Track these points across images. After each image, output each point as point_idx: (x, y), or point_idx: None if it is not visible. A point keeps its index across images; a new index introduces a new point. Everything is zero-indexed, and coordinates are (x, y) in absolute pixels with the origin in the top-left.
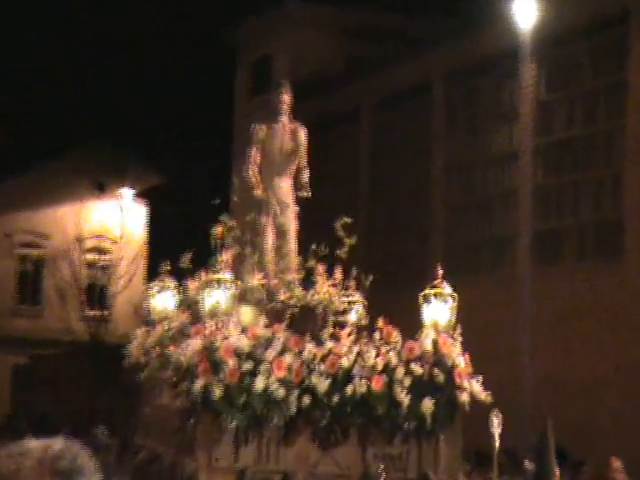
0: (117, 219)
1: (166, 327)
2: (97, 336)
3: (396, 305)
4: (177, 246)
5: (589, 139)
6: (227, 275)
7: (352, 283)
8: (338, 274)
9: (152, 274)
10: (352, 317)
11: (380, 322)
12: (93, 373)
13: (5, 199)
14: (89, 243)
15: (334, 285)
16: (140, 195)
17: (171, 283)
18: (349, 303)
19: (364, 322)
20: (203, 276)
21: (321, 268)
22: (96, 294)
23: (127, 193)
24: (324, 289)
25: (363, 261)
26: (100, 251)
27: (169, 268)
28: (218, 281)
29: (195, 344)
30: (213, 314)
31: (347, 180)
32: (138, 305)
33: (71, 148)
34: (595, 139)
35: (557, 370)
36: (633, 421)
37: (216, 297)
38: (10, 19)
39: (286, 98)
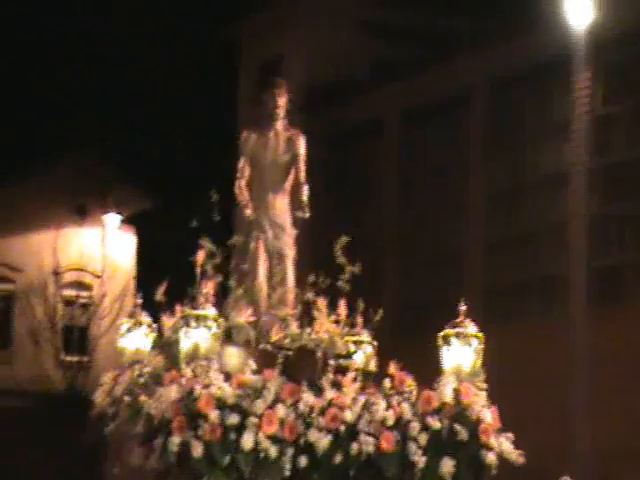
0: (100, 249)
1: (137, 372)
2: (75, 386)
3: (414, 349)
4: (172, 280)
5: None
6: (208, 311)
7: (359, 320)
8: (342, 310)
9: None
10: (358, 360)
11: (391, 368)
12: (72, 428)
13: None
14: (67, 277)
15: (337, 322)
16: (128, 221)
17: (145, 319)
18: (355, 343)
19: (372, 367)
20: (179, 311)
21: (321, 302)
22: (75, 336)
23: (112, 219)
24: (325, 327)
25: (389, 304)
26: (80, 286)
27: (141, 302)
28: (197, 318)
29: (169, 393)
30: (191, 358)
31: (367, 207)
32: None
33: (47, 166)
34: None
35: (617, 434)
36: None
37: (195, 337)
38: None
39: (282, 101)
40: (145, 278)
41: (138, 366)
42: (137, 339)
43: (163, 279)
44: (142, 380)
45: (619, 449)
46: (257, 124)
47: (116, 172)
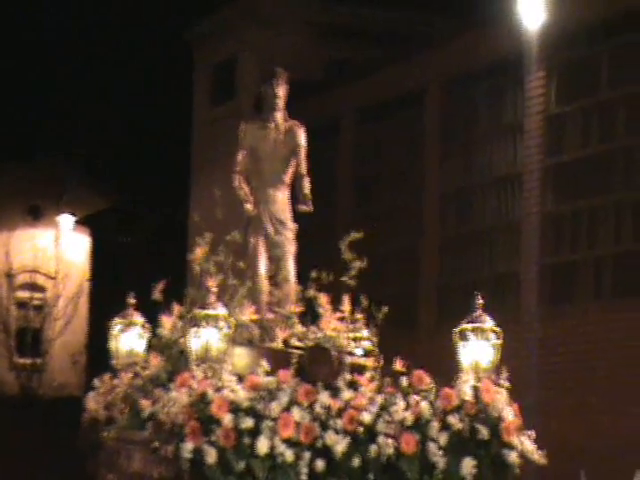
0: (54, 250)
1: (136, 374)
2: (29, 388)
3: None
4: (128, 281)
5: (606, 158)
6: (219, 310)
7: (361, 317)
8: (346, 306)
9: (96, 315)
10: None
11: (397, 364)
12: (24, 433)
13: None
14: (20, 279)
15: (341, 319)
16: (82, 222)
17: (138, 320)
18: (354, 340)
19: (374, 364)
20: (177, 311)
21: (324, 299)
22: (28, 339)
23: (66, 220)
24: (331, 325)
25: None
26: (33, 288)
27: (134, 301)
28: (207, 318)
29: (180, 397)
30: (201, 359)
31: (322, 206)
32: (78, 352)
33: (6, 163)
34: (613, 158)
35: (570, 433)
36: None
37: (205, 338)
38: None
39: (281, 91)
40: (99, 279)
41: (134, 368)
42: (131, 340)
43: (118, 280)
44: (140, 383)
45: (571, 446)
46: (256, 115)
47: (70, 173)
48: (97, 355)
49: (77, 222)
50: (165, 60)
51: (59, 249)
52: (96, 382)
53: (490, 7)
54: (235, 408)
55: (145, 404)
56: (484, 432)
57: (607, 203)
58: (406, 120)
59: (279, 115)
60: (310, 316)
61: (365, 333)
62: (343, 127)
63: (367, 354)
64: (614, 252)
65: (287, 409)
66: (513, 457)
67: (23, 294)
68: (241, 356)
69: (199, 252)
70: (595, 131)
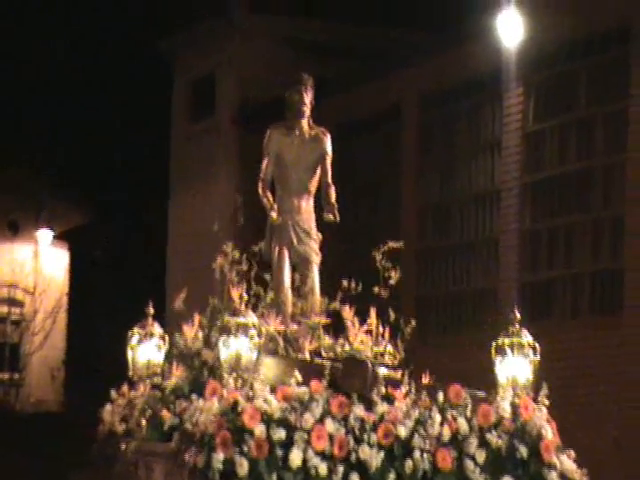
0: (32, 265)
1: (154, 385)
2: (6, 403)
3: None
4: (106, 296)
5: (584, 176)
6: (251, 318)
7: (386, 330)
8: (372, 319)
9: (75, 330)
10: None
11: (425, 378)
12: (5, 447)
13: None
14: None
15: (368, 332)
16: (60, 237)
17: (157, 331)
18: (377, 354)
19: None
20: (198, 321)
21: (349, 311)
22: (6, 354)
23: (44, 235)
24: (359, 337)
25: None
26: (11, 303)
27: (152, 311)
28: (238, 326)
29: (211, 407)
30: (232, 368)
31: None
32: (56, 367)
33: None
34: (591, 176)
35: None
36: None
37: (235, 347)
38: None
39: (308, 97)
40: (78, 294)
41: (156, 379)
42: (148, 351)
43: (96, 295)
44: (159, 394)
45: None
46: (282, 121)
47: (48, 188)
48: (75, 370)
49: (55, 237)
50: (144, 75)
51: (38, 264)
52: (113, 394)
53: (469, 24)
54: (267, 419)
55: (166, 415)
56: (523, 451)
57: (585, 220)
58: (384, 135)
59: (305, 122)
60: (333, 328)
61: (389, 347)
62: None
63: (394, 368)
64: (592, 270)
65: (320, 421)
66: (553, 477)
67: (1, 309)
68: (270, 366)
69: (221, 261)
70: (573, 148)
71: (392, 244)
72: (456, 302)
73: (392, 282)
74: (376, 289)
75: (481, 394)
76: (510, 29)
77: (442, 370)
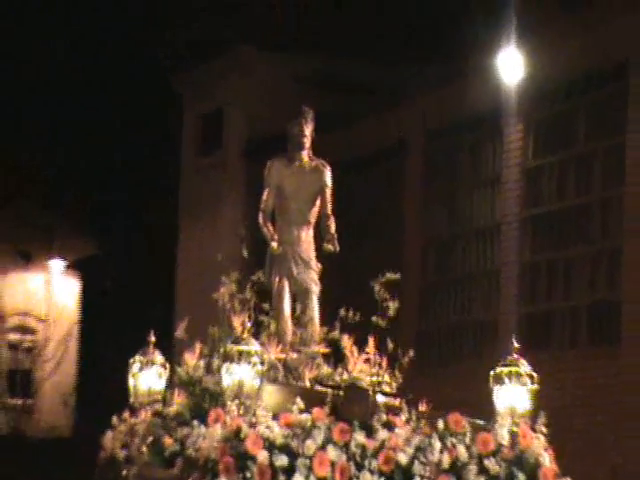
0: (45, 294)
1: (156, 412)
2: (19, 429)
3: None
4: (117, 325)
5: (583, 211)
6: (253, 346)
7: (384, 360)
8: (371, 348)
9: (86, 357)
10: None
11: (422, 406)
12: (15, 472)
13: None
14: (12, 321)
15: (367, 361)
16: (72, 266)
17: (158, 358)
18: (374, 384)
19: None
20: (199, 349)
21: (348, 340)
22: (19, 380)
23: (56, 264)
24: (359, 366)
25: None
26: (24, 330)
27: (154, 339)
28: (240, 354)
29: (214, 433)
30: (234, 396)
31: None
32: (68, 393)
33: None
34: (590, 211)
35: None
36: None
37: (238, 374)
38: None
39: (308, 129)
40: (89, 322)
41: (157, 406)
42: (150, 378)
43: (107, 323)
44: (160, 420)
45: None
46: (282, 153)
47: (60, 220)
48: (86, 397)
49: (67, 267)
50: (155, 108)
51: (50, 292)
52: (115, 420)
53: (471, 62)
54: (270, 445)
55: (168, 442)
56: (521, 478)
57: (583, 253)
58: (388, 170)
59: (305, 154)
60: (334, 357)
61: (386, 377)
62: None
63: (392, 396)
64: (590, 301)
65: (322, 447)
66: None
67: (14, 336)
68: (272, 394)
69: (224, 290)
70: (572, 183)
71: (390, 275)
72: (457, 333)
73: (390, 312)
74: (374, 318)
75: (480, 422)
76: (510, 67)
77: (443, 399)
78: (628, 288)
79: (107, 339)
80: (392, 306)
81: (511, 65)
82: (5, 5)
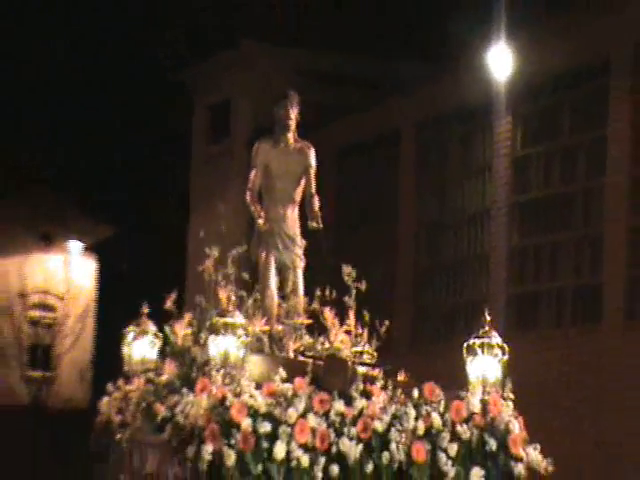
0: (63, 274)
1: (148, 380)
2: (39, 399)
3: None
4: (131, 302)
5: (567, 199)
6: (237, 319)
7: (364, 331)
8: (351, 321)
9: (102, 333)
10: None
11: (401, 376)
12: (36, 439)
13: None
14: (33, 299)
15: (347, 332)
16: (89, 248)
17: (151, 328)
18: (356, 354)
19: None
20: (189, 320)
21: (329, 313)
22: (39, 354)
23: (74, 246)
24: (340, 337)
25: None
26: (45, 308)
27: (147, 311)
28: (226, 326)
29: (201, 402)
30: (220, 366)
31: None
32: (85, 367)
33: (14, 195)
34: (573, 199)
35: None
36: None
37: (223, 345)
38: None
39: (293, 112)
40: (105, 300)
41: (147, 374)
42: (143, 348)
43: (121, 301)
44: (153, 388)
45: None
46: (268, 135)
47: (78, 204)
48: (103, 370)
49: (84, 248)
50: (167, 99)
51: (68, 272)
52: (110, 387)
53: (463, 58)
54: (253, 413)
55: (159, 408)
56: (492, 444)
57: (568, 239)
58: (383, 160)
59: (290, 135)
60: (317, 328)
61: (367, 347)
62: (325, 167)
63: (370, 366)
64: (574, 284)
65: (303, 416)
66: (520, 469)
67: (35, 313)
68: (256, 364)
69: (208, 264)
70: (557, 173)
71: (349, 269)
72: (449, 313)
73: (353, 294)
74: (346, 298)
75: (464, 394)
76: (500, 63)
77: (434, 373)
78: (609, 272)
79: (122, 317)
80: (361, 286)
81: (501, 61)
82: (5, 5)
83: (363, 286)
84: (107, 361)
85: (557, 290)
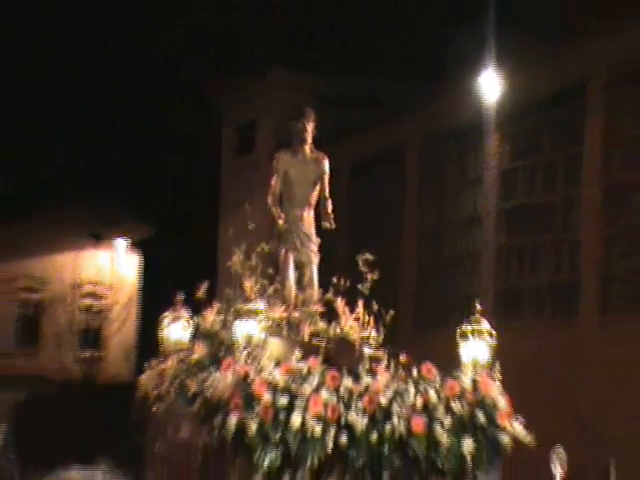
0: (111, 267)
1: (181, 359)
2: (90, 376)
3: None
4: (168, 292)
5: (548, 205)
6: (260, 306)
7: (371, 319)
8: (360, 309)
9: (144, 318)
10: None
11: (402, 358)
12: (87, 410)
13: (9, 245)
14: (84, 289)
15: (357, 319)
16: (133, 245)
17: (184, 314)
18: (363, 339)
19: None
20: (216, 307)
21: (341, 302)
22: (90, 337)
23: (121, 243)
24: (349, 323)
25: None
26: (95, 297)
27: (181, 299)
28: (249, 312)
29: (226, 377)
30: (244, 346)
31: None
32: (130, 348)
33: (70, 199)
34: (554, 206)
35: None
36: None
37: (247, 329)
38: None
39: (310, 127)
40: (147, 291)
41: (181, 354)
42: (177, 331)
43: (160, 291)
44: (185, 366)
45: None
46: (288, 147)
47: (125, 206)
48: (145, 351)
49: (129, 245)
50: (200, 117)
51: (115, 266)
52: (148, 365)
53: (459, 82)
54: (273, 388)
55: (191, 384)
56: (481, 417)
57: (548, 241)
58: (390, 173)
59: (307, 147)
60: (329, 316)
61: (373, 333)
62: (339, 180)
63: (377, 349)
64: (553, 280)
65: (316, 391)
66: (505, 439)
67: (86, 301)
68: (275, 346)
69: (236, 259)
70: (539, 183)
71: (367, 256)
72: (446, 304)
73: (370, 280)
74: (359, 286)
75: (458, 374)
76: (490, 87)
77: (432, 356)
78: (585, 271)
79: (160, 304)
80: (371, 277)
81: (491, 86)
82: (5, 5)
83: (375, 275)
84: (148, 342)
85: (538, 286)
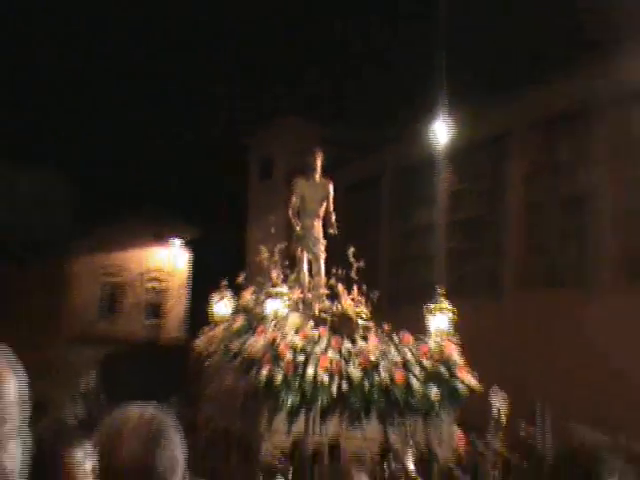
0: (169, 259)
1: (225, 327)
2: (154, 340)
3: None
4: (213, 279)
5: (482, 218)
6: (284, 289)
7: (362, 298)
8: (354, 292)
9: (195, 298)
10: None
11: (387, 327)
12: (152, 364)
13: (97, 242)
14: (149, 275)
15: (352, 300)
16: (186, 243)
17: (227, 295)
18: (357, 313)
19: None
20: (252, 290)
21: (341, 286)
22: (154, 309)
23: (177, 242)
24: (347, 302)
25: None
26: (157, 280)
27: (225, 284)
28: (276, 294)
29: (259, 341)
30: (272, 319)
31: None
32: (183, 318)
33: (139, 209)
34: (486, 219)
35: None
36: None
37: (275, 306)
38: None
39: (319, 160)
40: (195, 278)
41: (226, 324)
42: (222, 307)
43: (207, 277)
44: (228, 333)
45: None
46: (303, 174)
47: (180, 216)
48: (196, 321)
49: (183, 243)
50: (231, 154)
51: (172, 259)
52: (201, 331)
53: (417, 127)
54: (293, 349)
55: (233, 346)
56: (444, 371)
57: (485, 244)
58: (372, 193)
59: (317, 174)
60: (332, 296)
61: (364, 309)
62: (337, 197)
63: (367, 321)
64: (484, 270)
65: (325, 351)
66: (463, 388)
67: (150, 285)
68: (295, 318)
69: (263, 255)
70: (478, 202)
71: (353, 249)
72: (412, 288)
73: (356, 267)
74: (352, 274)
75: (427, 339)
76: (442, 131)
77: (408, 326)
78: (508, 264)
79: (208, 288)
80: (357, 265)
81: (442, 129)
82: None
83: (361, 263)
84: (199, 315)
85: (475, 273)
